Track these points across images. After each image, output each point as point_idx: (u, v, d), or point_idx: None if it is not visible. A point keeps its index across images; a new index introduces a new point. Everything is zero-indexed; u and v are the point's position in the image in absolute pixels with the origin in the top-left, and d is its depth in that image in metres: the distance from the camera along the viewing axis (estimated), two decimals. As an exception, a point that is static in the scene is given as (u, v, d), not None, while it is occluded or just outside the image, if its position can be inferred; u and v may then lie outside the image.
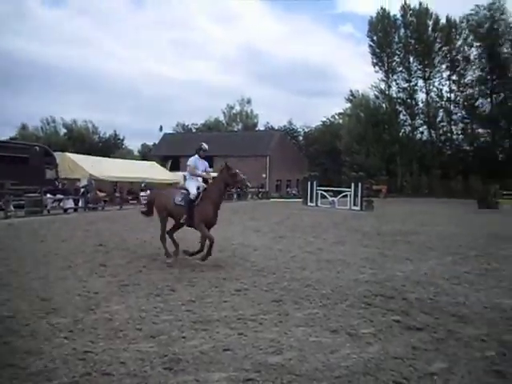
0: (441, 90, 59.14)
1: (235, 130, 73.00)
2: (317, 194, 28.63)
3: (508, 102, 53.91)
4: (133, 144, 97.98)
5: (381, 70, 60.92)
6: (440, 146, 59.42)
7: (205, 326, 4.50)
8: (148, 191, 26.91)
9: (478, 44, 55.69)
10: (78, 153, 31.82)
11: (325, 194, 29.00)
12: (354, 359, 3.77)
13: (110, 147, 68.43)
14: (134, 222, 14.79)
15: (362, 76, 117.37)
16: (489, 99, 56.11)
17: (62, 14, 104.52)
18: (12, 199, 17.35)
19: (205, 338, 4.20)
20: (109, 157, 40.54)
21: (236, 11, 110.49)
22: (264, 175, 48.18)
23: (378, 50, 60.38)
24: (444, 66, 58.73)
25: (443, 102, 59.23)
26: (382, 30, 59.75)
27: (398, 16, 59.50)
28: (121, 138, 74.90)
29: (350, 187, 26.85)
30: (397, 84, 60.97)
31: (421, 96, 60.51)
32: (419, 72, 59.61)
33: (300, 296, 5.80)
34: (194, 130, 76.55)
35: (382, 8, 60.29)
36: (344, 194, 27.78)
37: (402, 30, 59.88)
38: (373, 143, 58.18)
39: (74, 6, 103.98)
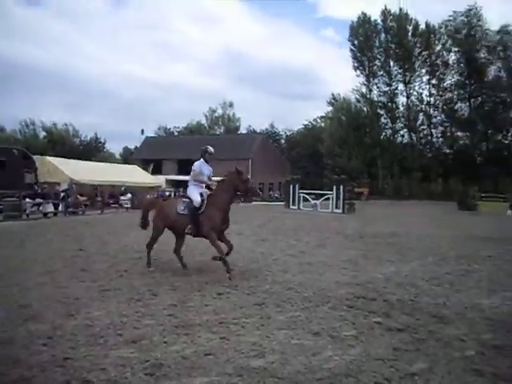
0: (421, 93, 60.20)
1: (217, 133, 72.90)
2: (299, 196, 28.78)
3: (485, 105, 55.02)
4: (114, 147, 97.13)
5: (362, 73, 61.69)
6: (420, 148, 60.30)
7: (186, 331, 4.47)
8: (129, 195, 26.73)
9: (456, 49, 56.73)
10: (58, 156, 31.32)
11: (307, 196, 29.16)
12: (335, 361, 3.79)
13: (91, 150, 67.49)
14: (116, 227, 14.64)
15: (344, 80, 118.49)
16: (467, 103, 57.16)
17: (39, 13, 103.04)
18: (-11, 204, 17.01)
19: (187, 342, 4.17)
20: (90, 160, 40.12)
21: (217, 14, 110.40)
22: (246, 178, 48.06)
23: (359, 54, 61.09)
24: (424, 71, 59.73)
25: (423, 106, 60.23)
26: (362, 34, 60.46)
27: (379, 21, 60.37)
28: (102, 141, 73.88)
29: (331, 190, 27.04)
30: (378, 88, 61.81)
31: (401, 100, 61.46)
32: (399, 76, 60.48)
33: (282, 299, 5.80)
34: (175, 134, 76.26)
35: (362, 13, 61.13)
36: (326, 196, 27.95)
37: (383, 35, 60.67)
38: (354, 146, 58.79)
39: (52, 6, 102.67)
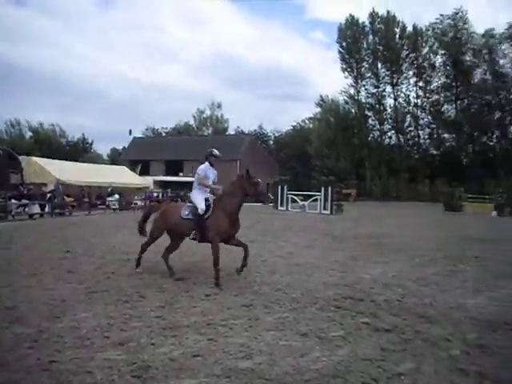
0: (408, 95, 61.03)
1: (205, 134, 72.79)
2: (287, 198, 28.84)
3: (471, 108, 55.79)
4: (102, 148, 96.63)
5: (350, 75, 62.28)
6: (408, 150, 60.93)
7: (174, 332, 4.46)
8: (116, 195, 26.53)
9: (442, 52, 57.53)
10: (44, 157, 30.96)
11: (295, 198, 29.21)
12: (323, 362, 3.81)
13: (79, 151, 66.91)
14: (103, 228, 14.52)
15: (332, 81, 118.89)
16: (454, 105, 57.98)
17: (26, 13, 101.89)
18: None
19: (174, 344, 4.15)
20: (77, 161, 39.73)
21: (207, 15, 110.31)
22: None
23: (347, 56, 61.63)
24: (411, 73, 60.54)
25: (410, 108, 60.99)
26: (351, 36, 60.99)
27: (367, 23, 61.14)
28: (89, 141, 73.35)
29: (320, 191, 27.14)
30: (366, 89, 62.49)
31: (389, 101, 62.27)
32: (387, 78, 61.12)
33: (270, 300, 5.81)
34: (163, 134, 75.96)
35: (350, 15, 61.70)
36: (314, 197, 28.05)
37: (371, 37, 61.35)
38: (342, 148, 59.14)
39: (40, 6, 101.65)
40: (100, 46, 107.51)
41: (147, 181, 35.41)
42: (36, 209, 20.08)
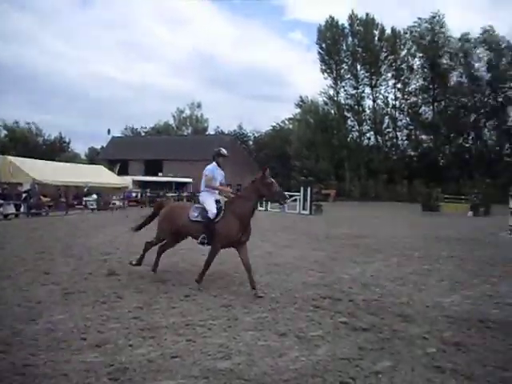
0: (386, 97, 61.67)
1: (185, 134, 72.44)
2: (267, 198, 28.80)
3: (448, 110, 56.74)
4: (79, 147, 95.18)
5: (329, 76, 62.63)
6: (386, 151, 61.63)
7: (152, 334, 4.42)
8: (94, 195, 26.16)
9: (420, 54, 58.27)
10: (20, 156, 30.34)
11: (275, 198, 29.18)
12: (302, 362, 3.82)
13: (55, 150, 65.71)
14: (81, 228, 14.30)
15: (312, 82, 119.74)
16: (431, 107, 58.84)
17: (4, 9, 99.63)
18: None
19: (152, 345, 4.12)
20: (54, 160, 39.01)
21: (186, 14, 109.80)
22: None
23: (326, 58, 61.96)
24: (389, 75, 61.18)
25: (389, 109, 61.65)
26: (330, 37, 61.38)
27: (346, 25, 61.47)
28: (66, 140, 72.14)
29: (299, 191, 27.22)
30: (345, 91, 62.93)
31: (368, 103, 62.76)
32: (366, 80, 61.66)
33: (249, 300, 5.81)
34: (143, 134, 75.29)
35: (330, 17, 62.03)
36: (293, 198, 28.10)
37: (350, 39, 61.79)
38: (322, 148, 59.44)
39: (14, 2, 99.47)
40: (78, 44, 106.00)
41: (126, 180, 34.94)
42: (11, 209, 19.66)
